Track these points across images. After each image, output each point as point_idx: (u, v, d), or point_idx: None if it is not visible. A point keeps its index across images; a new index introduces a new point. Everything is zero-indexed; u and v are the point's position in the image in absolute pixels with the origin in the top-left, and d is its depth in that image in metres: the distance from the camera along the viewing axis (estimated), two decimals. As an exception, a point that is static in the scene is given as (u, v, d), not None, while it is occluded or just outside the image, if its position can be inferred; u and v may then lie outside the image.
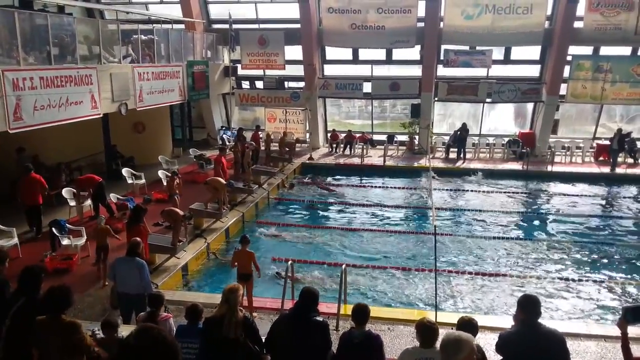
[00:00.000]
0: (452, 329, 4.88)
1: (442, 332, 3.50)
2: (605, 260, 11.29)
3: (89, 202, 12.53)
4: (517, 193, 16.65)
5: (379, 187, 17.47)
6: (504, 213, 14.55)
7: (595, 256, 11.51)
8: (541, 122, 20.26)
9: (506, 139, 20.85)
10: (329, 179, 17.91)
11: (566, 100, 20.01)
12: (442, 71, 20.83)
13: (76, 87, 12.16)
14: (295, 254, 11.02)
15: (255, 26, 21.93)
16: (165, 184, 14.25)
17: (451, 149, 20.30)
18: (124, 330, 5.37)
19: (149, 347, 2.04)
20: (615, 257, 11.52)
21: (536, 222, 14.09)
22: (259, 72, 22.14)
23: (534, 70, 20.98)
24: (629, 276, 10.52)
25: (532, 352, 4.13)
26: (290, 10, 20.84)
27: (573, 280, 10.19)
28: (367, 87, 21.09)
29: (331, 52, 21.82)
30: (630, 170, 18.45)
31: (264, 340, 4.89)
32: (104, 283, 8.95)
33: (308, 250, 11.70)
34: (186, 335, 5.02)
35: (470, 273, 10.42)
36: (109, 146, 15.86)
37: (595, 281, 10.15)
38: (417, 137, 21.11)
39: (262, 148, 18.78)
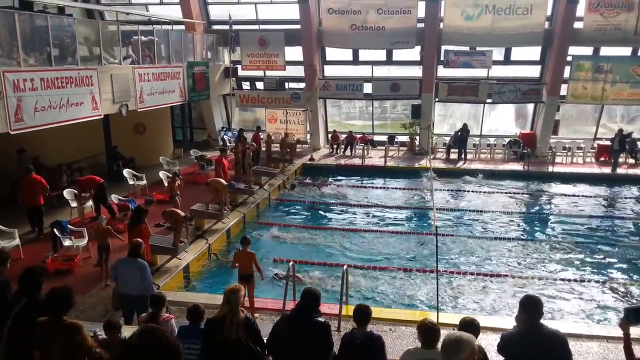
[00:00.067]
0: (453, 329, 4.88)
1: (444, 333, 3.50)
2: (606, 261, 11.29)
3: (90, 203, 12.54)
4: (518, 194, 16.64)
5: (380, 187, 17.47)
6: (505, 214, 14.55)
7: (597, 257, 11.50)
8: (542, 122, 20.26)
9: (507, 140, 20.84)
10: (330, 179, 17.89)
11: (567, 100, 20.02)
12: (442, 72, 20.83)
13: (77, 88, 12.17)
14: (296, 254, 11.02)
15: (256, 27, 21.95)
16: (166, 185, 14.26)
17: (452, 150, 20.30)
18: (126, 331, 5.37)
19: (151, 347, 2.04)
20: (617, 257, 11.51)
21: (537, 223, 14.08)
22: (260, 73, 22.15)
23: (534, 71, 20.98)
24: (630, 277, 10.51)
25: (534, 353, 4.13)
26: (290, 11, 20.86)
27: (575, 280, 10.18)
28: (367, 88, 21.10)
29: (331, 53, 21.83)
30: (631, 171, 18.44)
31: (265, 341, 4.89)
32: (105, 283, 8.96)
33: (309, 251, 11.70)
34: (188, 335, 5.02)
35: (472, 274, 10.41)
36: (109, 147, 15.87)
37: (597, 282, 10.14)
38: (417, 137, 21.11)
39: (263, 149, 18.78)
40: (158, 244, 9.96)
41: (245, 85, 23.10)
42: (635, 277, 10.53)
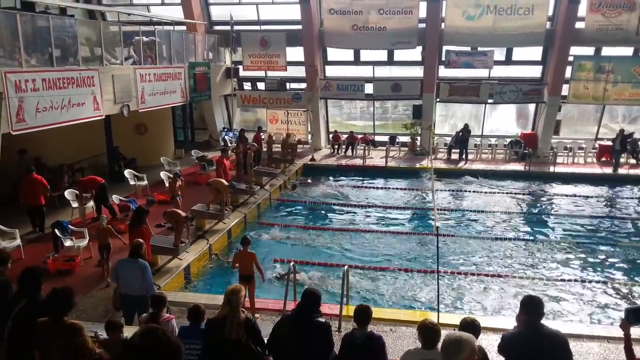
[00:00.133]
0: (454, 330, 4.88)
1: (444, 333, 3.50)
2: (607, 261, 11.28)
3: (91, 203, 12.56)
4: (520, 194, 16.62)
5: (381, 188, 17.47)
6: (506, 214, 14.53)
7: (598, 257, 11.49)
8: (543, 122, 20.24)
9: (508, 140, 20.82)
10: (331, 179, 17.87)
11: (568, 100, 20.00)
12: (443, 72, 20.83)
13: (78, 89, 12.20)
14: (297, 255, 11.02)
15: (257, 27, 21.96)
16: (167, 185, 14.27)
17: (453, 150, 20.28)
18: (127, 332, 5.37)
19: (153, 347, 2.05)
20: (618, 258, 11.49)
21: (538, 223, 14.06)
22: (261, 74, 22.17)
23: (535, 71, 20.97)
24: (631, 277, 10.50)
25: (535, 353, 4.13)
26: (292, 12, 20.87)
27: (576, 281, 10.17)
28: (368, 88, 21.11)
29: (332, 53, 21.83)
30: (632, 171, 18.42)
31: (266, 341, 4.89)
32: (106, 282, 9.01)
33: (310, 251, 11.70)
34: (188, 336, 5.02)
35: (472, 274, 10.40)
36: (111, 148, 15.88)
37: (597, 282, 10.13)
38: (419, 138, 21.11)
39: (264, 149, 18.78)
40: (159, 244, 9.97)
41: (247, 86, 23.12)
42: (636, 277, 10.51)
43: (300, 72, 21.24)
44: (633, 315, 4.01)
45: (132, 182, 14.74)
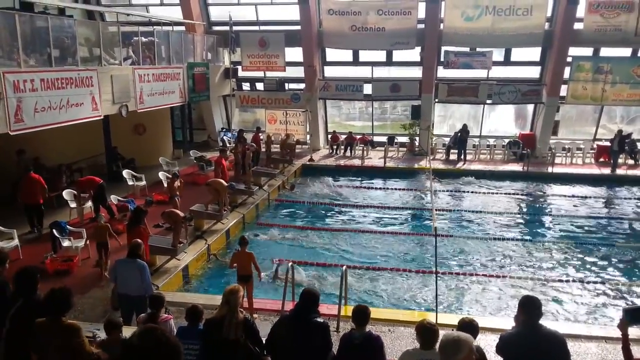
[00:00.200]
0: (452, 330, 4.88)
1: (443, 334, 3.50)
2: (605, 262, 11.29)
3: (89, 203, 12.54)
4: (518, 194, 16.64)
5: (380, 188, 17.47)
6: (505, 214, 14.55)
7: (596, 257, 11.50)
8: (541, 123, 20.27)
9: (507, 141, 20.85)
10: (330, 179, 17.87)
11: (566, 101, 20.03)
12: (442, 72, 20.84)
13: (77, 89, 12.19)
14: (295, 255, 11.02)
15: (256, 28, 21.95)
16: (165, 185, 14.26)
17: (452, 151, 20.30)
18: (125, 332, 5.37)
19: (152, 348, 2.05)
20: (616, 258, 11.50)
21: (537, 224, 14.08)
22: (260, 74, 22.17)
23: (534, 72, 21.00)
24: (629, 277, 10.51)
25: (533, 354, 4.13)
26: (291, 12, 20.87)
27: (574, 281, 10.19)
28: (367, 89, 21.12)
29: (331, 54, 21.85)
30: (630, 172, 18.45)
31: (264, 341, 4.89)
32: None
33: (308, 251, 11.70)
34: (186, 336, 5.01)
35: (470, 274, 10.41)
36: (109, 148, 15.87)
37: (595, 282, 10.14)
38: (417, 138, 21.12)
39: (263, 150, 18.78)
40: (157, 244, 9.97)
41: (245, 86, 23.11)
42: (634, 277, 10.53)
43: (299, 72, 21.25)
44: (631, 316, 4.01)
45: (130, 183, 14.73)
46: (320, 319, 4.79)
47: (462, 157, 19.77)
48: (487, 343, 6.13)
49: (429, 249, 11.46)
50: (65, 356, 4.32)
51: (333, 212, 14.97)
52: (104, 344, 5.09)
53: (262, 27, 21.90)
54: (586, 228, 13.61)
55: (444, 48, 20.36)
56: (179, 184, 13.13)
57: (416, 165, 19.31)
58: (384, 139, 21.80)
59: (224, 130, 22.36)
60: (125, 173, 14.89)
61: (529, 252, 11.81)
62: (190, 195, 13.54)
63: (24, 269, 4.96)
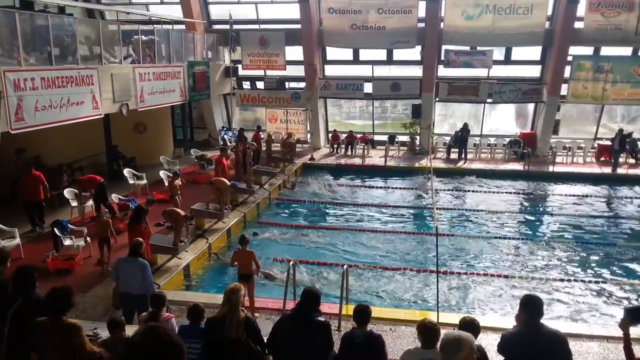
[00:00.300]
0: (454, 329, 4.88)
1: (444, 333, 3.50)
2: (607, 261, 11.28)
3: (90, 202, 12.54)
4: (519, 194, 16.64)
5: (380, 187, 17.46)
6: (506, 213, 14.54)
7: (597, 256, 11.50)
8: (542, 122, 20.26)
9: (507, 140, 20.83)
10: (330, 178, 17.87)
11: (567, 100, 20.02)
12: (442, 71, 20.83)
13: (77, 88, 12.18)
14: (296, 254, 11.02)
15: (256, 26, 21.94)
16: (166, 184, 14.26)
17: (452, 150, 20.29)
18: (127, 331, 5.38)
19: (154, 346, 2.05)
20: (617, 257, 11.51)
21: (538, 223, 14.09)
22: (260, 73, 22.16)
23: (534, 71, 20.98)
24: (631, 276, 10.51)
25: (534, 353, 4.13)
26: (291, 11, 20.86)
27: (575, 280, 10.19)
28: (368, 88, 21.11)
29: (332, 53, 21.83)
30: (631, 171, 18.44)
31: (265, 340, 4.89)
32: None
33: (309, 250, 11.70)
34: (188, 335, 5.01)
35: (472, 273, 10.41)
36: (110, 147, 15.87)
37: (597, 281, 10.15)
38: (418, 137, 21.11)
39: (263, 148, 18.78)
40: (158, 243, 9.97)
41: (246, 85, 23.10)
42: (635, 276, 10.53)
43: (300, 71, 21.23)
44: (632, 315, 4.01)
45: (131, 181, 14.73)
46: (321, 318, 4.79)
47: (463, 156, 19.76)
48: (489, 342, 6.14)
49: (430, 248, 11.47)
50: (65, 355, 4.31)
51: (334, 211, 14.97)
52: (107, 343, 5.10)
53: (263, 26, 21.88)
54: (587, 227, 13.61)
55: (444, 47, 20.35)
56: (180, 183, 13.13)
57: (417, 165, 19.30)
58: (384, 137, 21.79)
59: (225, 129, 22.35)
60: (126, 172, 14.90)
61: (530, 251, 11.81)
62: (191, 194, 13.54)
63: (21, 268, 4.97)
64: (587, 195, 16.27)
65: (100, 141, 15.59)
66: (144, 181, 14.98)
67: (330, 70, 22.09)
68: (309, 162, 19.53)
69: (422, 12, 19.95)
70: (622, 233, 13.27)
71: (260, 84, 22.51)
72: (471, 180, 17.74)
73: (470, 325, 4.56)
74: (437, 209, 11.38)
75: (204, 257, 10.94)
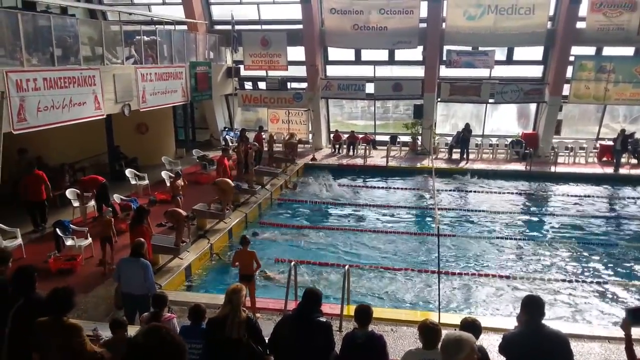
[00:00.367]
0: (455, 330, 4.88)
1: (445, 333, 3.50)
2: (609, 261, 11.26)
3: (92, 203, 12.57)
4: (521, 194, 16.62)
5: (382, 187, 17.46)
6: (507, 214, 14.52)
7: (599, 257, 11.48)
8: (544, 122, 20.24)
9: (509, 140, 20.81)
10: (331, 177, 17.87)
11: (569, 100, 20.00)
12: (444, 72, 20.83)
13: (79, 88, 12.21)
14: (298, 254, 11.03)
15: (258, 27, 21.97)
16: (168, 184, 14.28)
17: (454, 150, 20.28)
18: (129, 331, 5.38)
19: (156, 346, 2.06)
20: (619, 257, 11.48)
21: (539, 223, 14.06)
22: (262, 73, 22.18)
23: (536, 71, 20.96)
24: (632, 277, 10.49)
25: (536, 353, 4.13)
26: (293, 11, 20.89)
27: (577, 281, 10.17)
28: (369, 88, 21.12)
29: (333, 53, 21.85)
30: (634, 171, 18.40)
31: (267, 340, 4.89)
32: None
33: (311, 251, 11.70)
34: (189, 335, 5.02)
35: (473, 274, 10.40)
36: (112, 147, 15.89)
37: (599, 282, 10.12)
38: (419, 137, 21.11)
39: (265, 149, 18.79)
40: (160, 243, 9.98)
41: (248, 85, 23.11)
42: (637, 277, 10.51)
43: (301, 71, 21.25)
44: (633, 316, 4.00)
45: (133, 182, 14.75)
46: (322, 319, 4.79)
47: (465, 156, 19.75)
48: (490, 343, 6.13)
49: (431, 248, 11.46)
50: (66, 355, 4.33)
51: (335, 212, 14.97)
52: (109, 343, 5.11)
53: (264, 26, 21.90)
54: (589, 227, 13.58)
55: (446, 47, 20.35)
56: (181, 183, 13.15)
57: (418, 165, 19.29)
58: (386, 138, 21.80)
59: (227, 129, 22.38)
60: (128, 172, 14.92)
61: (531, 252, 11.79)
62: (192, 194, 13.56)
63: (21, 268, 4.98)
64: (589, 196, 16.24)
65: (102, 142, 15.61)
66: (146, 182, 15.00)
67: (332, 71, 22.10)
68: (310, 162, 19.53)
69: (423, 12, 19.94)
70: (624, 233, 13.24)
71: (262, 85, 22.53)
72: (472, 181, 17.69)
73: (472, 326, 4.55)
74: (438, 209, 11.37)
75: (206, 257, 10.95)
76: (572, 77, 19.59)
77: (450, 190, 16.77)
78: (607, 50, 19.84)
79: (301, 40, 20.61)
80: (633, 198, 16.30)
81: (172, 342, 2.08)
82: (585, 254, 11.63)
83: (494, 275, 10.31)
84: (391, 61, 21.54)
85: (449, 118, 22.93)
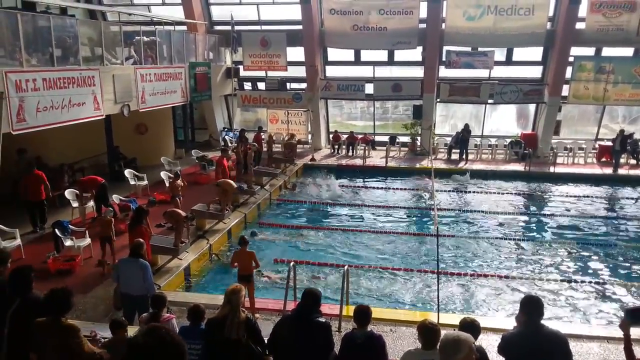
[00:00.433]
0: (454, 330, 4.89)
1: (443, 333, 3.50)
2: (607, 261, 11.27)
3: (91, 203, 12.56)
4: (520, 194, 16.63)
5: (381, 188, 17.46)
6: (506, 214, 14.53)
7: (598, 257, 11.49)
8: (543, 123, 20.26)
9: (508, 140, 20.83)
10: (331, 178, 17.86)
11: (568, 101, 20.01)
12: (444, 72, 20.84)
13: (79, 89, 12.21)
14: (297, 255, 11.04)
15: (257, 27, 21.98)
16: (167, 185, 14.28)
17: (453, 150, 20.29)
18: (128, 331, 5.38)
19: (156, 346, 2.06)
20: (618, 258, 11.50)
21: (538, 223, 14.07)
22: (261, 74, 22.19)
23: (536, 72, 20.98)
24: (631, 277, 10.50)
25: (535, 354, 4.13)
26: (292, 12, 20.90)
27: (576, 281, 10.17)
28: (369, 89, 21.13)
29: (333, 54, 21.85)
30: (633, 171, 18.42)
31: (266, 341, 4.89)
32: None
33: (310, 251, 11.70)
34: (188, 336, 5.01)
35: (472, 274, 10.40)
36: (111, 147, 15.89)
37: (597, 282, 10.13)
38: (419, 138, 21.11)
39: (264, 149, 18.79)
40: (159, 244, 9.98)
41: (247, 86, 23.12)
42: (635, 277, 10.51)
43: (301, 72, 21.26)
44: (632, 316, 4.01)
45: (132, 182, 14.74)
46: (322, 319, 4.79)
47: (464, 156, 19.76)
48: (489, 343, 6.13)
49: (430, 248, 11.46)
50: (64, 356, 4.32)
51: (334, 212, 14.97)
52: (109, 344, 5.10)
53: (264, 27, 21.91)
54: (588, 228, 13.59)
55: (445, 48, 20.36)
56: (181, 184, 13.15)
57: (418, 165, 19.29)
58: (385, 138, 21.80)
59: (226, 129, 22.37)
60: (127, 173, 14.92)
61: (530, 252, 11.80)
62: (192, 194, 13.56)
63: (17, 268, 4.98)
64: (588, 196, 16.25)
65: (102, 142, 15.61)
66: (145, 182, 15.00)
67: (332, 71, 22.11)
68: (309, 162, 19.53)
69: (423, 13, 19.96)
70: (623, 234, 13.25)
71: (261, 85, 22.53)
72: (470, 181, 17.68)
73: (471, 326, 4.56)
74: (437, 209, 11.38)
75: (205, 258, 10.94)
76: (571, 78, 19.61)
77: (449, 191, 16.78)
78: (607, 51, 19.85)
79: (301, 40, 20.62)
80: (632, 198, 16.31)
81: (172, 342, 2.09)
82: (584, 254, 11.65)
83: (493, 276, 10.32)
84: (391, 62, 21.54)
85: (448, 118, 22.94)
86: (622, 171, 18.36)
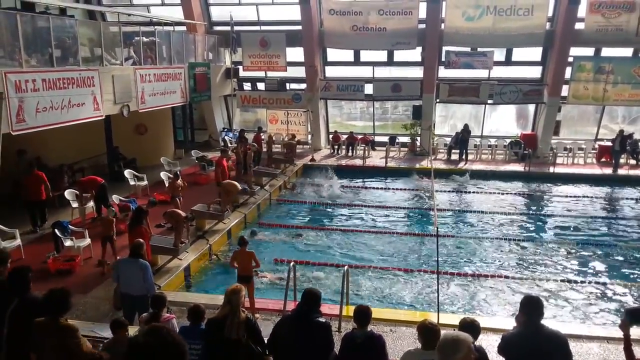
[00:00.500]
0: (454, 330, 4.89)
1: (442, 333, 3.50)
2: (607, 262, 11.27)
3: (91, 203, 12.56)
4: (519, 195, 16.63)
5: (381, 188, 17.46)
6: (506, 214, 14.53)
7: (598, 257, 11.49)
8: (543, 123, 20.27)
9: (508, 141, 20.83)
10: (332, 178, 17.86)
11: (568, 101, 20.03)
12: (443, 72, 20.84)
13: (78, 89, 12.21)
14: (297, 255, 11.03)
15: (257, 28, 21.98)
16: (167, 185, 14.28)
17: (453, 151, 20.29)
18: (128, 331, 5.38)
19: (157, 346, 2.06)
20: (618, 258, 11.51)
21: (538, 224, 14.07)
22: (261, 74, 22.19)
23: (535, 72, 20.99)
24: (631, 277, 10.50)
25: (535, 354, 4.13)
26: (292, 12, 20.88)
27: (575, 281, 10.17)
28: (368, 89, 21.13)
29: (332, 54, 21.85)
30: (632, 172, 18.42)
31: (266, 341, 4.89)
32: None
33: (310, 251, 11.70)
34: (188, 336, 5.00)
35: (472, 275, 10.40)
36: (111, 148, 15.89)
37: (597, 282, 10.13)
38: (418, 138, 21.12)
39: (264, 149, 18.79)
40: (159, 244, 9.99)
41: (247, 86, 23.13)
42: (635, 278, 10.52)
43: (300, 72, 21.26)
44: (632, 316, 4.02)
45: (132, 182, 14.74)
46: (322, 319, 4.79)
47: (464, 157, 19.76)
48: (489, 343, 6.13)
49: (430, 248, 11.46)
50: (62, 356, 4.33)
51: (334, 212, 14.97)
52: (110, 345, 5.09)
53: (263, 27, 21.92)
54: (588, 228, 13.59)
55: (445, 48, 20.37)
56: (180, 184, 13.14)
57: (417, 166, 19.29)
58: (385, 139, 21.79)
59: (226, 130, 22.37)
60: (127, 173, 14.92)
61: (530, 252, 11.80)
62: (191, 195, 13.56)
63: (16, 268, 4.99)
64: (587, 196, 16.25)
65: (101, 142, 15.62)
66: (145, 182, 15.00)
67: (331, 72, 22.12)
68: (309, 163, 19.53)
69: (422, 13, 19.97)
70: (622, 234, 13.25)
71: (261, 85, 22.53)
72: (468, 181, 17.68)
73: (471, 326, 4.56)
74: (437, 210, 11.37)
75: (205, 258, 10.94)
76: (570, 78, 19.62)
77: (449, 191, 16.78)
78: (606, 51, 19.86)
79: (300, 41, 20.62)
80: (631, 198, 16.31)
81: (173, 342, 2.09)
82: (584, 254, 11.65)
83: (493, 276, 10.31)
84: (390, 62, 21.55)
85: (448, 119, 22.95)
86: (621, 171, 18.36)
